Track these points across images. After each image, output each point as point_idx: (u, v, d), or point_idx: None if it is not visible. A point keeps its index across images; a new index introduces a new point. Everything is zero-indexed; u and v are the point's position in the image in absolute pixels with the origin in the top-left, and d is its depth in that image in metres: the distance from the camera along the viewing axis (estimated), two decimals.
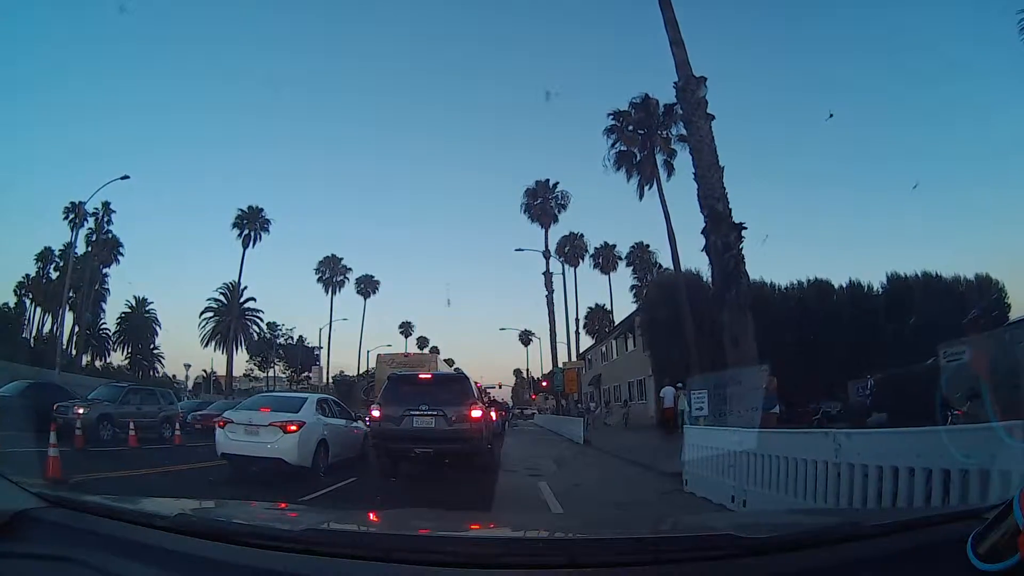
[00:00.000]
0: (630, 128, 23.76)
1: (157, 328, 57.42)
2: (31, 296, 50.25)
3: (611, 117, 24.17)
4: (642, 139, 23.37)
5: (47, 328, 48.73)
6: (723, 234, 10.08)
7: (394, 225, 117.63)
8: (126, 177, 28.99)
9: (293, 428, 9.13)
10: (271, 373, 73.32)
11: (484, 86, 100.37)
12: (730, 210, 10.33)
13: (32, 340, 47.04)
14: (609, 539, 1.59)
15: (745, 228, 10.25)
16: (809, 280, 25.55)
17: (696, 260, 30.30)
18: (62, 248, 48.04)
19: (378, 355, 26.49)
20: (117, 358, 55.76)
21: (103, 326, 54.50)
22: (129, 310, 55.67)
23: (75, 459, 10.68)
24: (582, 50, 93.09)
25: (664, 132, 23.36)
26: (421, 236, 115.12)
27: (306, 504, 5.99)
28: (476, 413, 9.75)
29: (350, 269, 60.52)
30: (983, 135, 60.54)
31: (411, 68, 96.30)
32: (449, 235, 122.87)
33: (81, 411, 14.23)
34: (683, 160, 23.93)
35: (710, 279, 10.42)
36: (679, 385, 19.47)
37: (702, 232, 10.47)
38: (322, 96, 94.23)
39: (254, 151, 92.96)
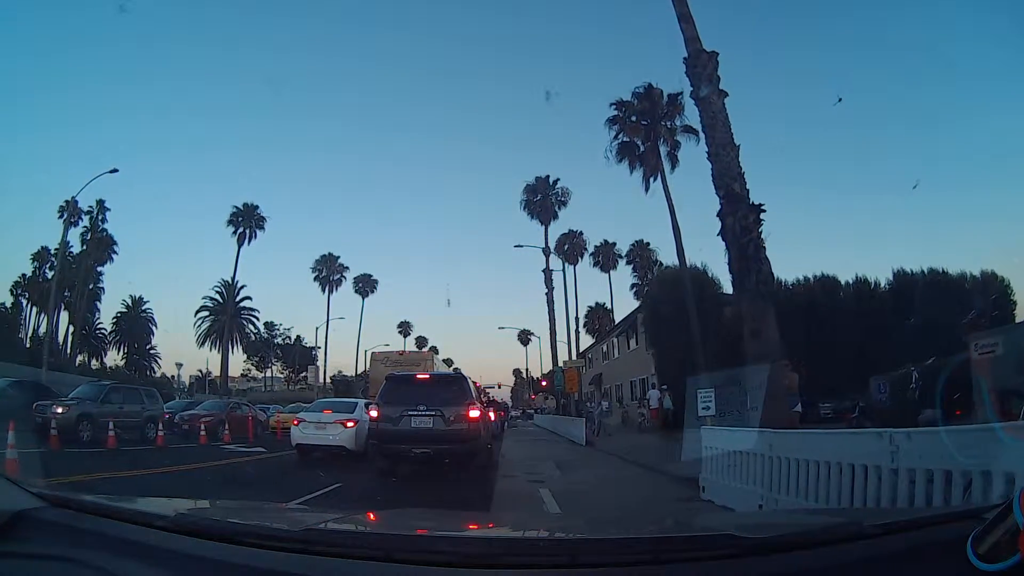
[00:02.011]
0: (633, 118, 22.81)
1: (153, 328, 56.80)
2: (27, 296, 49.56)
3: (613, 107, 23.15)
4: (645, 130, 22.46)
5: (44, 328, 48.03)
6: (741, 216, 9.37)
7: (392, 224, 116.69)
8: (115, 171, 28.12)
9: (351, 424, 12.14)
10: (269, 373, 72.57)
11: (482, 82, 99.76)
12: (747, 191, 9.64)
13: (28, 340, 46.28)
14: (609, 539, 1.58)
15: (764, 210, 9.56)
16: (815, 276, 25.09)
17: (698, 257, 29.59)
18: (57, 247, 47.54)
19: (372, 353, 25.51)
20: (114, 358, 55.14)
21: (99, 325, 53.88)
22: (125, 309, 55.02)
23: (44, 461, 10.05)
24: (583, 46, 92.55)
25: (668, 123, 22.55)
26: (420, 235, 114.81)
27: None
28: (474, 413, 9.65)
29: (347, 268, 59.67)
30: (987, 134, 59.95)
31: (408, 64, 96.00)
32: (448, 234, 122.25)
33: (60, 410, 13.61)
34: (688, 152, 23.33)
35: (727, 264, 9.72)
36: (664, 388, 21.51)
37: (718, 215, 9.77)
38: (318, 93, 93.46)
39: (250, 149, 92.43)
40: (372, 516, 2.14)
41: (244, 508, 2.38)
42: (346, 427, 12.11)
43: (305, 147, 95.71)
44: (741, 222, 9.31)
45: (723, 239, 9.74)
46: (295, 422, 13.08)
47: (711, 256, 48.58)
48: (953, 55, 51.99)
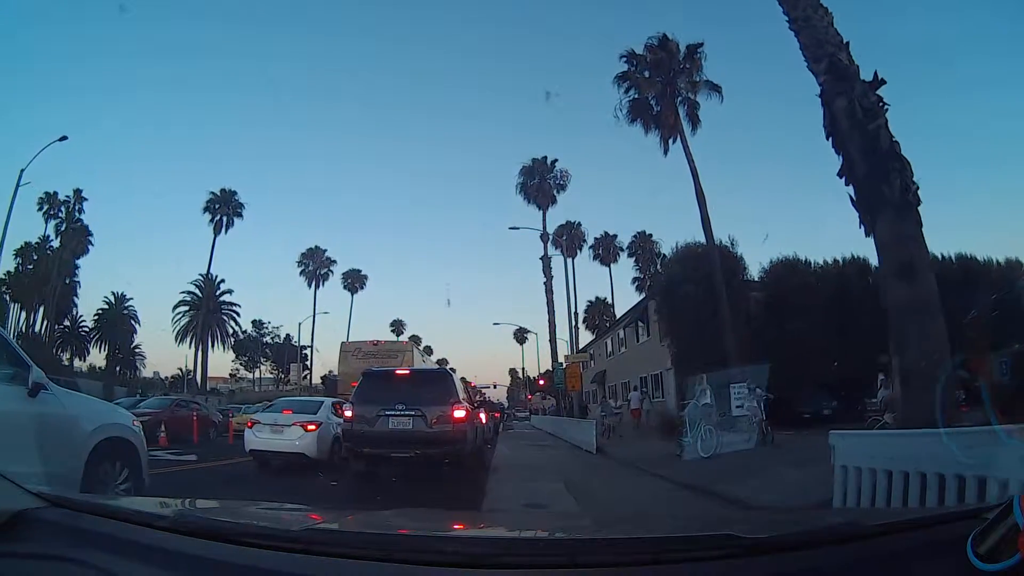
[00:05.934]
0: (646, 73, 20.14)
1: (137, 325, 54.19)
2: (10, 293, 46.88)
3: (624, 60, 20.54)
4: (661, 85, 20.03)
5: (26, 325, 45.47)
6: (859, 95, 6.52)
7: (382, 219, 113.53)
8: (64, 138, 26.46)
9: (312, 427, 10.55)
10: (257, 373, 70.07)
11: (479, 72, 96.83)
12: (857, 66, 6.79)
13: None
14: (609, 539, 1.54)
15: (882, 87, 6.61)
16: (845, 259, 22.91)
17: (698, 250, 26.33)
18: (38, 240, 45.41)
19: (341, 343, 22.04)
20: (97, 358, 52.50)
21: (81, 322, 51.12)
22: (107, 306, 52.31)
23: None
24: (585, 36, 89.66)
25: (687, 78, 20.06)
26: (412, 231, 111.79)
27: None
28: (459, 414, 8.87)
29: (335, 262, 57.48)
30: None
31: (397, 47, 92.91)
32: (442, 231, 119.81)
33: None
34: (708, 111, 20.68)
35: (838, 175, 6.83)
36: (645, 390, 23.38)
37: (819, 96, 6.94)
38: (307, 84, 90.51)
39: (233, 141, 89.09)
40: (372, 516, 2.09)
41: (244, 508, 2.29)
42: (307, 430, 10.48)
43: (294, 140, 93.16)
44: (861, 102, 6.43)
45: (828, 134, 6.88)
46: (249, 424, 11.36)
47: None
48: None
